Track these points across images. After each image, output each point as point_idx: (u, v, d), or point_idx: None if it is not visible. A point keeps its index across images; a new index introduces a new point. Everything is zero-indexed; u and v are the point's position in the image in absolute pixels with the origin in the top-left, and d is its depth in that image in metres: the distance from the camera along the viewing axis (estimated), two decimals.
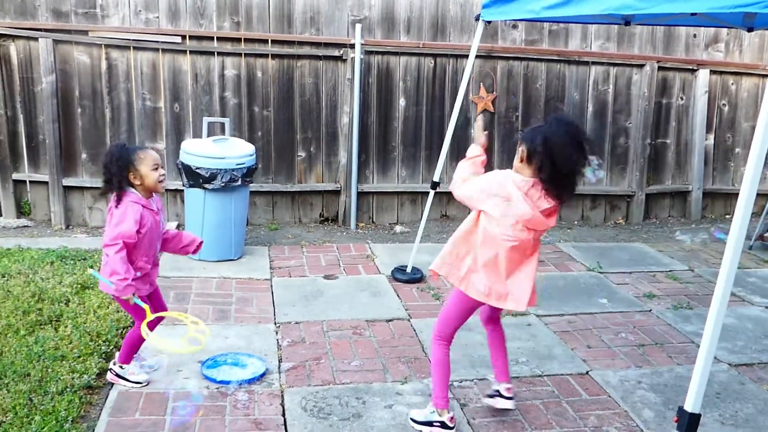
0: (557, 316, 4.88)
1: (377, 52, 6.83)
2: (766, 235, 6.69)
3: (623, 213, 7.77)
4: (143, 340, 3.64)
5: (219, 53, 6.50)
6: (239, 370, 3.84)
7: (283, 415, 3.43)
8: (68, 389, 3.46)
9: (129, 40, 6.28)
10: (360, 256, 6.05)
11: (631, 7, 3.38)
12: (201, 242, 3.73)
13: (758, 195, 2.74)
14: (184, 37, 6.40)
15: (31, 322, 4.18)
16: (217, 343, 4.15)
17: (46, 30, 6.13)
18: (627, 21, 5.13)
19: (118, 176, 3.35)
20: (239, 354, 4.02)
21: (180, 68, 6.45)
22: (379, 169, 7.09)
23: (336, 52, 6.71)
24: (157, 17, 6.35)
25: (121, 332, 4.08)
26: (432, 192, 5.44)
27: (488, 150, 7.24)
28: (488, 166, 7.01)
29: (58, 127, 6.27)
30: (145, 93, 6.44)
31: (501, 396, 3.45)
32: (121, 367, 3.62)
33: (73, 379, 3.55)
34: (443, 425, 3.29)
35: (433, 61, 7.00)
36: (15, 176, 6.39)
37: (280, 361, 4.01)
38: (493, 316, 3.47)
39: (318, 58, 6.72)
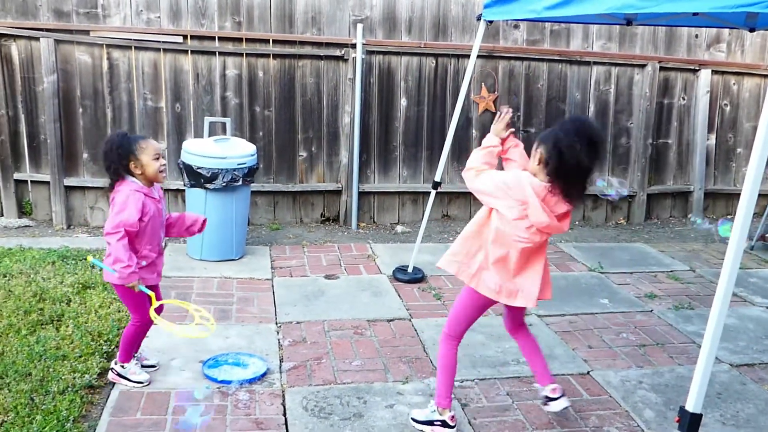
0: (558, 316, 4.88)
1: (379, 52, 6.83)
2: (767, 235, 6.68)
3: (624, 213, 7.77)
4: (142, 336, 3.66)
5: (220, 53, 6.50)
6: (240, 370, 3.85)
7: (284, 414, 3.43)
8: (69, 389, 3.46)
9: (130, 40, 6.29)
10: (361, 255, 6.05)
11: (633, 6, 3.38)
12: (205, 219, 3.74)
13: (760, 195, 2.75)
14: (185, 36, 6.41)
15: (32, 322, 4.18)
16: (218, 342, 4.16)
17: (47, 30, 6.13)
18: (629, 21, 5.13)
19: (116, 164, 3.35)
20: (240, 354, 4.03)
21: (181, 68, 6.46)
22: (380, 169, 7.09)
23: (337, 52, 6.71)
24: (159, 17, 6.35)
25: (122, 331, 4.07)
26: (433, 192, 5.44)
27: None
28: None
29: (60, 126, 6.28)
30: (147, 93, 6.45)
31: (550, 399, 3.40)
32: (122, 366, 3.62)
33: (74, 378, 3.55)
34: (444, 424, 3.29)
35: (434, 61, 7.00)
36: (16, 176, 6.40)
37: (281, 360, 4.01)
38: (517, 321, 3.42)
39: (319, 58, 6.73)
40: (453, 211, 7.36)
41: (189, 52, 6.43)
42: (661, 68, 7.49)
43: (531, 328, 4.56)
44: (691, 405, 2.57)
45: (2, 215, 6.45)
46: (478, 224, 3.15)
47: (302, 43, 6.68)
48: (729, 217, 7.98)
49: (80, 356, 3.80)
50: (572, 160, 2.87)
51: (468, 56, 5.80)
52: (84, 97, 6.35)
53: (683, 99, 7.74)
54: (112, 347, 3.96)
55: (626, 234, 7.24)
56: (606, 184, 3.43)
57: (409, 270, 5.50)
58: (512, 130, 3.34)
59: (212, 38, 6.49)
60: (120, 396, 3.51)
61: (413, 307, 4.94)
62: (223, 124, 6.14)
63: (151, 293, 3.43)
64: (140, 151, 3.37)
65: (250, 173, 5.63)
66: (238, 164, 5.51)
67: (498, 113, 3.37)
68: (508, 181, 3.03)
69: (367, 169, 7.04)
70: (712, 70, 7.67)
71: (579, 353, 4.28)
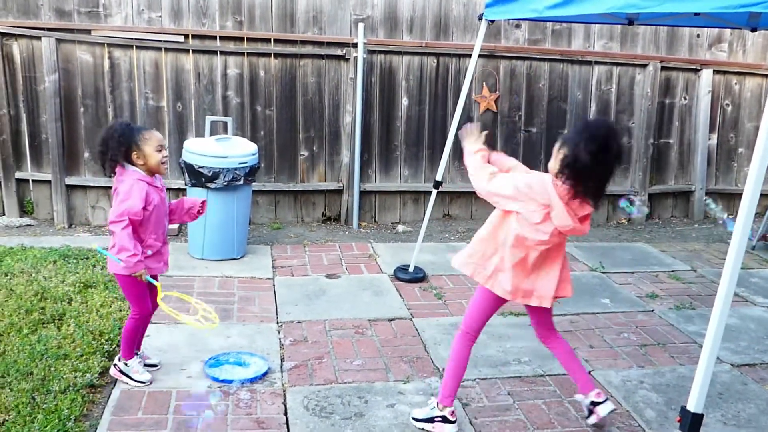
0: (559, 315, 4.87)
1: (380, 52, 6.83)
2: None
3: (626, 213, 7.76)
4: (142, 330, 3.66)
5: (222, 52, 6.51)
6: (242, 369, 3.85)
7: (286, 414, 3.44)
8: (71, 388, 3.47)
9: (132, 39, 6.29)
10: (362, 255, 6.05)
11: (634, 6, 3.38)
12: (204, 201, 3.73)
13: (761, 195, 2.74)
14: (186, 36, 6.41)
15: (33, 321, 4.19)
16: (219, 341, 4.16)
17: (48, 29, 6.13)
18: (630, 20, 5.13)
19: (114, 151, 3.33)
20: (242, 353, 4.03)
21: (183, 67, 6.46)
22: (381, 169, 7.09)
23: (339, 52, 6.71)
24: (160, 16, 6.35)
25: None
26: (434, 191, 5.44)
27: (491, 150, 7.26)
28: None
29: (61, 126, 6.28)
30: (148, 92, 6.45)
31: (595, 404, 3.33)
32: (125, 364, 3.61)
33: (75, 377, 3.56)
34: (445, 419, 3.29)
35: (435, 61, 7.00)
36: (18, 175, 6.40)
37: (282, 360, 4.01)
38: (545, 325, 3.36)
39: (321, 57, 6.73)
40: (454, 210, 7.36)
41: (190, 51, 6.43)
42: (663, 68, 7.48)
43: (532, 328, 4.59)
44: (693, 405, 2.57)
45: (4, 214, 6.45)
46: (493, 226, 3.14)
47: (303, 42, 6.68)
48: (731, 217, 7.98)
49: (81, 355, 3.80)
50: (595, 162, 2.85)
51: (469, 56, 5.81)
52: (85, 97, 6.36)
53: (685, 99, 7.73)
54: (114, 346, 3.96)
55: (627, 234, 7.24)
56: (628, 203, 3.46)
57: (411, 269, 5.50)
58: (485, 132, 3.36)
59: (213, 37, 6.49)
60: (121, 395, 3.51)
61: (414, 306, 4.94)
62: (225, 124, 6.14)
63: (158, 284, 3.45)
64: (143, 142, 3.37)
65: (251, 172, 5.63)
66: (240, 163, 5.51)
67: (463, 131, 3.36)
68: (532, 184, 3.01)
69: (368, 168, 7.04)
70: (714, 70, 7.66)
71: (580, 353, 4.28)
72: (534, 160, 7.39)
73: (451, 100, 7.04)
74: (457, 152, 7.08)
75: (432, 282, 5.43)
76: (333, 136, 6.93)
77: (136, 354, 3.67)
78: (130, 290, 3.48)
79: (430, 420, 3.32)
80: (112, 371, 3.65)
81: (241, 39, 6.54)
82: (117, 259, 3.30)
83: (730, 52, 7.75)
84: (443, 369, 3.97)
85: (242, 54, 6.55)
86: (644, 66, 7.43)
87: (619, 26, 7.17)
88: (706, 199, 6.92)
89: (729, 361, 4.25)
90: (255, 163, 5.68)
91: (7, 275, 4.92)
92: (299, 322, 4.57)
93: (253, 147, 5.77)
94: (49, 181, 6.39)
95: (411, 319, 4.71)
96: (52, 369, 3.63)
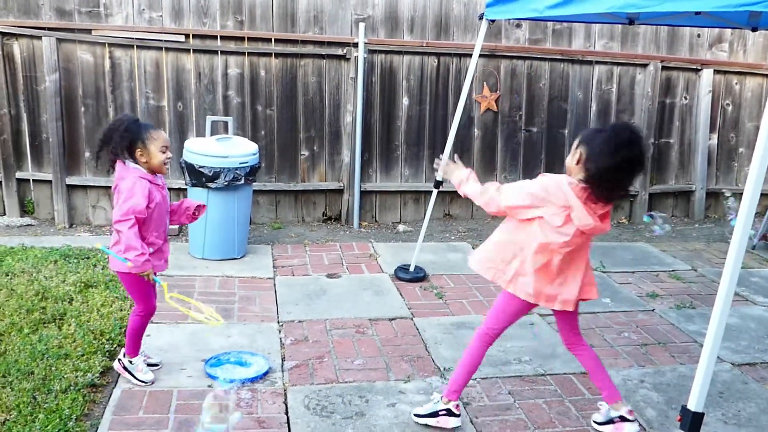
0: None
1: (381, 51, 6.83)
2: None
3: (626, 212, 7.76)
4: (146, 326, 3.64)
5: (222, 52, 6.51)
6: (242, 369, 3.85)
7: (286, 413, 3.44)
8: (72, 387, 3.47)
9: (132, 39, 6.29)
10: (363, 255, 6.05)
11: (635, 5, 3.38)
12: (201, 205, 3.71)
13: (762, 195, 2.74)
14: (187, 35, 6.41)
15: (34, 321, 4.19)
16: (220, 341, 4.16)
17: (49, 29, 6.13)
18: (631, 20, 5.13)
19: (117, 145, 3.31)
20: (242, 352, 4.03)
21: (183, 67, 6.46)
22: (382, 168, 7.10)
23: (339, 51, 6.71)
24: (161, 16, 6.35)
25: (125, 330, 4.07)
26: (435, 191, 5.44)
27: (492, 149, 7.31)
28: (491, 166, 7.01)
29: (62, 125, 6.28)
30: (149, 92, 6.45)
31: (624, 419, 3.29)
32: (130, 361, 3.61)
33: (76, 377, 3.56)
34: (449, 412, 3.29)
35: (436, 60, 7.00)
36: (18, 175, 6.40)
37: (283, 359, 4.01)
38: (572, 330, 3.31)
39: (321, 57, 6.73)
40: (455, 210, 7.36)
41: (191, 51, 6.44)
42: (663, 68, 7.48)
43: (533, 327, 4.60)
44: (693, 404, 2.57)
45: (4, 214, 6.46)
46: (510, 232, 3.11)
47: (304, 42, 6.68)
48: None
49: (82, 355, 3.80)
50: (615, 165, 2.84)
51: (470, 55, 5.81)
52: (86, 96, 6.36)
53: (685, 98, 7.73)
54: (115, 346, 3.97)
55: (628, 233, 7.24)
56: (651, 219, 3.47)
57: (411, 269, 5.50)
58: (464, 169, 3.32)
59: (214, 37, 6.49)
60: (122, 394, 3.51)
61: (415, 306, 4.94)
62: (225, 123, 6.14)
63: (165, 284, 3.45)
64: (149, 140, 3.36)
65: (252, 172, 5.64)
66: (240, 163, 5.52)
67: (441, 169, 3.36)
68: (548, 187, 2.98)
69: (368, 168, 7.04)
70: (714, 70, 7.66)
71: None
72: (534, 159, 7.39)
73: (451, 100, 7.05)
74: (458, 152, 7.10)
75: (433, 281, 5.43)
76: (334, 135, 6.93)
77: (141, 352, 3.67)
78: (135, 288, 3.48)
79: (434, 414, 3.32)
80: (116, 366, 3.65)
81: (241, 39, 6.54)
82: (123, 258, 3.29)
83: (730, 52, 7.75)
84: (444, 368, 3.98)
85: (243, 54, 6.55)
86: (645, 66, 7.43)
87: (620, 26, 7.17)
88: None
89: (729, 361, 4.25)
90: (256, 163, 5.68)
91: (7, 275, 4.92)
92: (300, 321, 4.57)
93: (253, 147, 5.77)
94: (49, 181, 6.40)
95: (412, 319, 4.71)
96: (53, 368, 3.63)
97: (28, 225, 6.38)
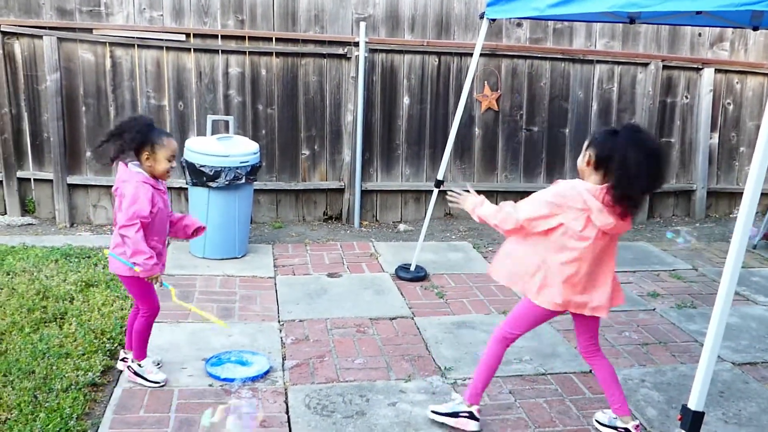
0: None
1: (381, 51, 6.83)
2: None
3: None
4: (151, 327, 3.63)
5: (223, 51, 6.51)
6: (243, 368, 3.85)
7: (287, 412, 3.44)
8: (73, 386, 3.47)
9: (133, 38, 6.29)
10: (364, 254, 6.06)
11: (636, 4, 3.37)
12: (201, 228, 3.69)
13: (763, 194, 2.74)
14: (188, 35, 6.41)
15: (35, 320, 4.19)
16: (221, 340, 4.17)
17: (50, 28, 6.14)
18: (632, 19, 5.12)
19: (126, 143, 3.29)
20: (243, 351, 4.03)
21: (184, 66, 6.46)
22: (383, 168, 7.10)
23: (340, 51, 6.71)
24: (162, 15, 6.36)
25: (126, 329, 4.06)
26: (436, 190, 5.44)
27: (492, 148, 7.31)
28: (492, 165, 7.01)
29: (63, 125, 6.29)
30: (150, 91, 6.45)
31: None
32: (139, 365, 3.60)
33: (77, 376, 3.56)
34: (471, 415, 3.29)
35: (437, 60, 7.00)
36: (19, 174, 6.41)
37: (283, 358, 4.01)
38: (591, 339, 3.27)
39: (322, 56, 6.73)
40: (455, 209, 7.36)
41: (192, 50, 6.44)
42: (664, 67, 7.48)
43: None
44: (694, 403, 2.57)
45: (5, 213, 6.46)
46: (530, 245, 3.06)
47: (305, 41, 6.68)
48: (732, 215, 7.98)
49: (83, 354, 3.81)
50: (625, 165, 2.83)
51: (471, 54, 5.80)
52: (87, 96, 6.36)
53: (686, 98, 7.73)
54: (115, 345, 3.97)
55: (629, 233, 7.19)
56: (675, 234, 3.46)
57: (412, 268, 5.50)
58: (478, 196, 3.29)
59: (215, 36, 6.49)
60: (123, 393, 3.52)
61: (416, 305, 4.94)
62: (226, 123, 6.14)
63: (172, 288, 3.45)
64: (159, 146, 3.35)
65: (252, 171, 5.64)
66: (241, 162, 5.52)
67: (456, 200, 3.34)
68: (564, 192, 2.96)
69: (369, 167, 7.04)
70: (716, 69, 7.66)
71: None
72: (535, 158, 7.39)
73: (452, 99, 7.04)
74: (459, 151, 7.11)
75: (433, 281, 5.43)
76: (334, 135, 6.93)
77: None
78: (138, 290, 3.47)
79: (454, 415, 3.32)
80: (128, 374, 3.62)
81: (242, 38, 6.54)
82: (131, 264, 3.28)
83: (731, 51, 7.74)
84: (445, 367, 3.98)
85: (244, 53, 6.55)
86: (646, 65, 7.43)
87: (621, 25, 7.17)
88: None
89: (730, 360, 4.25)
90: (256, 162, 5.69)
91: (8, 274, 4.93)
92: (301, 320, 4.58)
93: (254, 146, 5.77)
94: (50, 180, 6.40)
95: (412, 318, 4.71)
96: (54, 368, 3.64)
97: (29, 224, 6.39)
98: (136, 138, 3.30)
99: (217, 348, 4.05)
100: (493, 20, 4.94)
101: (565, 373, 4.00)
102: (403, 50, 6.89)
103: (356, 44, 6.65)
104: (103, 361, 3.75)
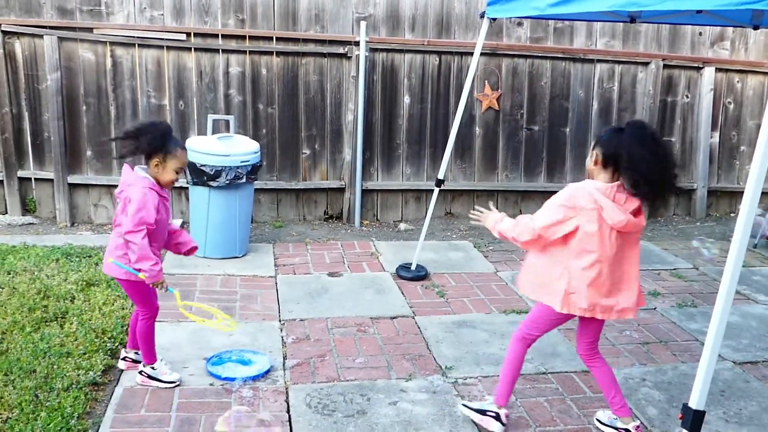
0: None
1: (382, 50, 6.83)
2: None
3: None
4: (154, 327, 3.62)
5: (224, 51, 6.51)
6: (244, 367, 3.85)
7: (288, 411, 3.44)
8: (74, 386, 3.47)
9: (134, 37, 6.30)
10: (364, 253, 6.06)
11: (637, 3, 3.37)
12: (194, 248, 3.69)
13: (763, 193, 2.74)
14: (188, 34, 6.41)
15: (36, 319, 4.20)
16: (221, 340, 4.17)
17: (51, 27, 6.14)
18: (632, 18, 5.12)
19: (140, 144, 3.27)
20: (244, 351, 4.03)
21: (185, 66, 6.46)
22: (383, 167, 7.10)
23: (341, 50, 6.71)
24: (162, 15, 6.36)
25: (126, 329, 4.06)
26: (436, 189, 5.44)
27: (493, 148, 7.31)
28: (492, 165, 7.02)
29: (63, 124, 6.29)
30: (150, 90, 6.45)
31: None
32: (152, 368, 3.58)
33: (78, 375, 3.56)
34: (497, 417, 3.29)
35: (438, 59, 7.00)
36: (20, 173, 6.41)
37: (284, 358, 4.02)
38: (591, 344, 3.27)
39: (323, 55, 6.73)
40: (456, 208, 7.35)
41: (192, 49, 6.44)
42: (665, 66, 7.48)
43: None
44: (695, 402, 2.57)
45: (6, 213, 6.46)
46: (549, 255, 3.06)
47: (305, 40, 6.68)
48: (732, 215, 7.98)
49: (84, 353, 3.81)
50: (630, 161, 2.85)
51: (471, 54, 5.80)
52: (87, 95, 6.36)
53: (687, 97, 7.73)
54: (116, 344, 3.97)
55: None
56: (700, 244, 3.47)
57: (413, 267, 5.51)
58: (498, 213, 3.28)
59: (216, 36, 6.49)
60: (124, 393, 3.52)
61: (416, 304, 4.94)
62: (227, 122, 6.15)
63: (176, 292, 3.45)
64: (172, 157, 3.34)
65: (253, 171, 5.64)
66: (242, 162, 5.52)
67: (479, 218, 3.33)
68: (573, 194, 2.97)
69: (370, 166, 7.04)
70: (716, 68, 7.66)
71: None
72: (536, 158, 7.39)
73: (453, 99, 7.04)
74: (459, 150, 7.11)
75: (434, 280, 5.43)
76: (335, 134, 6.93)
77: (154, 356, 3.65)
78: (137, 293, 3.46)
79: (482, 412, 3.33)
80: (140, 379, 3.59)
81: (243, 37, 6.54)
82: (134, 270, 3.28)
83: (732, 50, 7.74)
84: (445, 367, 3.98)
85: (244, 52, 6.55)
86: (646, 64, 7.42)
87: (621, 24, 7.16)
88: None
89: (731, 359, 4.25)
90: (257, 162, 5.69)
91: (9, 273, 4.93)
92: (301, 320, 4.58)
93: (255, 145, 5.77)
94: (51, 180, 6.40)
95: (413, 317, 4.71)
96: (55, 367, 3.64)
97: (30, 224, 6.39)
98: (153, 143, 3.28)
99: (218, 347, 4.06)
100: (494, 19, 4.94)
101: (566, 372, 4.00)
102: (403, 49, 6.89)
103: (357, 43, 6.65)
104: (104, 360, 3.75)
